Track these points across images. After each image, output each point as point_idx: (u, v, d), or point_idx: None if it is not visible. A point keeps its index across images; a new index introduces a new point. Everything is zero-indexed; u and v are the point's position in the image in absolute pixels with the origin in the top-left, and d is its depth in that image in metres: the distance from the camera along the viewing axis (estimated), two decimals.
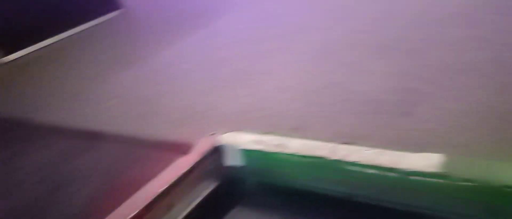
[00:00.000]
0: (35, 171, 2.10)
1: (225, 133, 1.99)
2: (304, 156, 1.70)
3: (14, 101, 3.22)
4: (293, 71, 2.52)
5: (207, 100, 2.40)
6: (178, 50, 3.54)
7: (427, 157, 1.48)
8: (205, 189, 1.95)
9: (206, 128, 2.12)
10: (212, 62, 3.03)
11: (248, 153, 1.88)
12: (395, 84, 2.09)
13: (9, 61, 4.42)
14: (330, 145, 1.68)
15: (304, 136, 1.81)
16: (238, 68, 2.78)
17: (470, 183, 1.35)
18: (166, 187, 1.77)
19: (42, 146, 2.36)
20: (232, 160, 1.95)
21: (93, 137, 2.30)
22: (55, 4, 4.87)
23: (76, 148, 2.23)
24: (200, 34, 3.83)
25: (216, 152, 1.96)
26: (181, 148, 1.98)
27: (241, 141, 1.91)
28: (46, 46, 4.70)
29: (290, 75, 2.47)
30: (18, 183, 2.04)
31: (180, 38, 3.81)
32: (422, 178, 1.43)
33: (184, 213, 1.87)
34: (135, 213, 1.65)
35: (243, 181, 1.99)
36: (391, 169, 1.49)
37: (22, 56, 4.51)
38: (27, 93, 3.34)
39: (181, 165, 1.88)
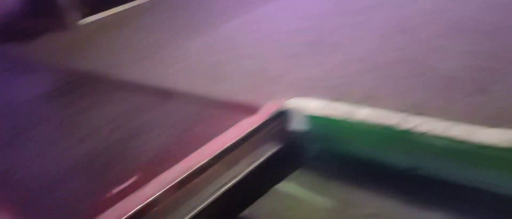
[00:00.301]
0: (110, 120, 2.22)
1: (292, 98, 2.02)
2: (372, 125, 1.69)
3: (91, 58, 3.41)
4: (365, 45, 2.49)
5: (275, 67, 2.43)
6: (246, 21, 3.58)
7: (501, 132, 1.43)
8: (268, 150, 1.99)
9: (274, 93, 2.15)
10: (281, 33, 3.05)
11: (314, 119, 1.89)
12: (470, 62, 2.01)
13: (87, 23, 4.66)
14: (400, 115, 1.66)
15: (373, 105, 1.80)
16: (307, 40, 2.78)
17: None
18: (231, 143, 1.83)
19: (117, 99, 2.49)
20: (297, 124, 1.97)
21: (164, 95, 2.40)
22: None
23: (148, 103, 2.34)
24: (269, 7, 3.84)
25: (282, 115, 1.98)
26: (248, 110, 2.03)
27: (307, 106, 1.93)
28: (121, 11, 4.91)
29: (362, 48, 2.44)
30: (94, 130, 2.17)
31: (248, 10, 3.84)
32: (495, 153, 1.39)
33: (247, 170, 1.92)
34: (202, 163, 1.73)
35: (306, 146, 2.01)
36: (462, 142, 1.46)
37: (99, 19, 4.74)
38: (103, 52, 3.52)
39: (247, 125, 1.93)
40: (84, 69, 3.12)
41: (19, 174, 1.85)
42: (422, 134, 1.55)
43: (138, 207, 1.53)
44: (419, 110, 1.68)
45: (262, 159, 1.96)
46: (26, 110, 2.56)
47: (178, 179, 1.66)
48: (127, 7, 4.96)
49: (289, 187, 1.88)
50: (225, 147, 1.81)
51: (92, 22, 4.68)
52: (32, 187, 1.75)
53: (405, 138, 1.61)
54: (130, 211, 1.51)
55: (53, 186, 1.74)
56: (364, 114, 1.73)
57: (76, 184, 1.73)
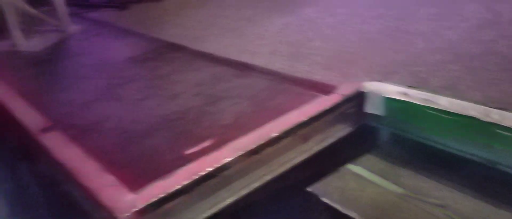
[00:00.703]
0: (191, 87, 2.34)
1: (371, 81, 2.01)
2: (452, 114, 1.66)
3: (178, 29, 3.57)
4: (449, 35, 2.41)
5: (355, 50, 2.43)
6: (328, 5, 3.57)
7: None
8: (341, 130, 2.01)
9: (352, 75, 2.16)
10: (362, 18, 3.02)
11: (392, 103, 1.88)
12: None
13: None
14: (482, 107, 1.61)
15: (454, 96, 1.76)
16: (389, 26, 2.74)
17: None
18: (305, 119, 1.87)
19: (198, 68, 2.61)
20: (373, 108, 1.97)
21: (244, 68, 2.48)
22: None
23: (228, 73, 2.43)
24: None
25: (358, 97, 1.99)
26: (325, 88, 2.06)
27: (386, 90, 1.92)
28: None
29: (446, 39, 2.37)
30: (176, 94, 2.29)
31: None
32: None
33: (318, 147, 1.95)
34: (275, 135, 1.78)
35: (380, 129, 2.01)
36: None
37: None
38: (189, 24, 3.68)
39: (322, 103, 1.96)
40: (170, 39, 3.29)
41: (108, 124, 2.02)
42: (505, 129, 1.51)
43: (210, 169, 1.62)
44: (503, 105, 1.62)
45: (334, 138, 1.99)
46: (117, 70, 2.76)
47: (251, 147, 1.73)
48: None
49: (358, 168, 1.90)
50: (299, 122, 1.86)
51: None
52: (120, 137, 1.90)
53: (486, 131, 1.57)
54: (202, 171, 1.60)
55: (138, 139, 1.88)
56: (444, 102, 1.70)
57: (158, 140, 1.85)
